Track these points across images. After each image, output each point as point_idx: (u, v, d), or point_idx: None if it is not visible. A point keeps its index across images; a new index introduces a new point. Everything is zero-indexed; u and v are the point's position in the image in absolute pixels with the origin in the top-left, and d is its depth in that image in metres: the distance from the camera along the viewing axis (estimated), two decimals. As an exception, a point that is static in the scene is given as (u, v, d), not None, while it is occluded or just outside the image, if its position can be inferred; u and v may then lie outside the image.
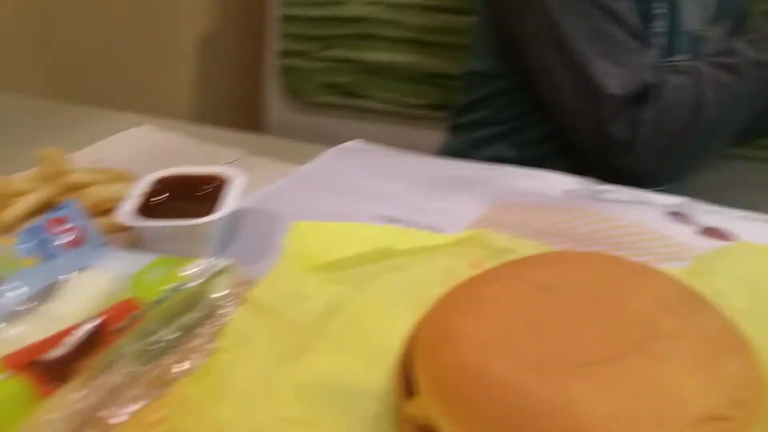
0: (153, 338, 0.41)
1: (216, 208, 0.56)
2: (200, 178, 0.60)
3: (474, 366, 0.34)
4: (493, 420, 0.32)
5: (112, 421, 0.36)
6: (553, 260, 0.45)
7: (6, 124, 0.87)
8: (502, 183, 0.66)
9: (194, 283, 0.46)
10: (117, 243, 0.55)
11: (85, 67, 1.16)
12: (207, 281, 0.47)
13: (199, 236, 0.55)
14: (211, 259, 0.49)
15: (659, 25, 0.83)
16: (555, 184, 0.66)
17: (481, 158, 0.74)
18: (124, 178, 0.65)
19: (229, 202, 0.56)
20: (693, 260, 0.51)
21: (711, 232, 0.57)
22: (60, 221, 0.51)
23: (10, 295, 0.45)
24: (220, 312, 0.45)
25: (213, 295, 0.46)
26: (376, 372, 0.39)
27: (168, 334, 0.42)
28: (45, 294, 0.46)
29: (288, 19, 1.32)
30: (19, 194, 0.60)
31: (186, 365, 0.41)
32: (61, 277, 0.47)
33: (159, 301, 0.44)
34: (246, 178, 0.59)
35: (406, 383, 0.36)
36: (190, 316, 0.44)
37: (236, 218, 0.60)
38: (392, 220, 0.60)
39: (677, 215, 0.60)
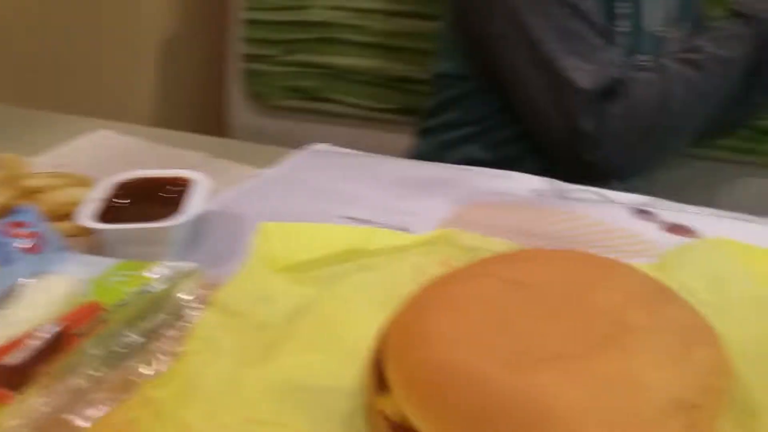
0: (118, 341, 0.40)
1: (180, 211, 0.54)
2: (163, 181, 0.59)
3: (445, 361, 0.34)
4: (465, 413, 0.32)
5: (78, 424, 0.35)
6: (523, 257, 0.45)
7: (-38, 129, 0.84)
8: (471, 183, 0.66)
9: (159, 287, 0.45)
10: (77, 248, 0.54)
11: (43, 71, 1.13)
12: (172, 284, 0.46)
13: (162, 239, 0.54)
14: (176, 262, 0.48)
15: (623, 25, 0.84)
16: (523, 184, 0.66)
17: (452, 161, 0.74)
18: (83, 182, 0.63)
19: (194, 205, 0.55)
20: (659, 256, 0.51)
21: (675, 228, 0.58)
22: (17, 225, 0.49)
23: (-34, 300, 0.44)
24: (186, 315, 0.45)
25: (178, 298, 0.45)
26: (348, 370, 0.39)
27: (133, 337, 0.41)
28: (2, 299, 0.45)
29: (251, 23, 1.31)
30: (-26, 199, 0.58)
31: (152, 369, 0.40)
32: (19, 282, 0.46)
33: (123, 304, 0.43)
34: (210, 181, 0.58)
35: (378, 380, 0.36)
36: (156, 320, 0.43)
37: (201, 221, 0.59)
38: (361, 222, 0.59)
39: (642, 213, 0.61)
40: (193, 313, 0.45)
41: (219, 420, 0.36)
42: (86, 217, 0.53)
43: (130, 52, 1.29)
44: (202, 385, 0.38)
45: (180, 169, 0.61)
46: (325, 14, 1.26)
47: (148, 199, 0.57)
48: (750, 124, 1.06)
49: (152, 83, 1.35)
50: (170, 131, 0.86)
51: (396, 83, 1.25)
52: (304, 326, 0.43)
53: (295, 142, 0.77)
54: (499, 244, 0.52)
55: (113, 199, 0.57)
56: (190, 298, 0.46)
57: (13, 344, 0.39)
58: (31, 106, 0.91)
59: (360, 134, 1.26)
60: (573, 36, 0.78)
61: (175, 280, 0.46)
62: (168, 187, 0.58)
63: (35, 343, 0.39)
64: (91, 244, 0.55)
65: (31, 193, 0.60)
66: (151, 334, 0.42)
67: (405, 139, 1.08)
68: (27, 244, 0.49)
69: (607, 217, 0.59)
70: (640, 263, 0.46)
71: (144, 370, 0.40)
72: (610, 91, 0.77)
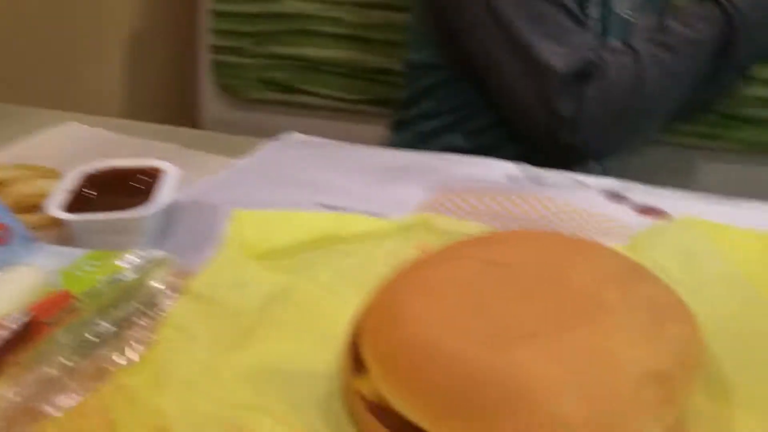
0: (90, 330, 0.39)
1: (150, 200, 0.54)
2: (132, 171, 0.58)
3: (422, 340, 0.34)
4: (442, 391, 0.32)
5: (50, 413, 0.34)
6: (497, 239, 0.45)
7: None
8: (446, 170, 0.66)
9: (130, 275, 0.45)
10: (46, 239, 0.52)
11: (9, 63, 1.11)
12: (144, 273, 0.45)
13: (133, 229, 0.53)
14: (148, 250, 0.47)
15: (594, 9, 0.85)
16: (498, 170, 0.67)
17: (430, 151, 0.74)
18: (50, 174, 0.62)
19: (164, 195, 0.55)
20: (632, 237, 0.52)
21: (648, 210, 0.58)
22: (-18, 217, 0.48)
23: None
24: (159, 303, 0.44)
25: (151, 286, 0.44)
26: (324, 354, 0.39)
27: (105, 326, 0.40)
28: (-31, 292, 0.43)
29: (219, 14, 1.29)
30: (-62, 192, 0.57)
31: (125, 357, 0.39)
32: (-15, 274, 0.45)
33: (94, 293, 0.42)
34: (180, 171, 0.58)
35: (355, 362, 0.36)
36: (128, 308, 0.42)
37: (173, 211, 0.58)
38: (336, 209, 0.59)
39: (615, 196, 0.61)
40: (167, 301, 0.44)
41: (194, 406, 0.36)
42: (55, 208, 0.52)
43: (99, 44, 1.27)
44: (177, 372, 0.38)
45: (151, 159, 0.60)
46: (296, 6, 1.25)
47: (118, 190, 0.57)
48: (717, 111, 1.08)
49: (122, 76, 1.33)
50: (141, 123, 0.84)
51: (370, 74, 1.25)
52: (280, 312, 0.43)
53: (269, 135, 0.76)
54: (473, 228, 0.52)
55: (82, 190, 0.56)
56: (163, 286, 0.45)
57: (-20, 336, 0.38)
58: (-2, 99, 0.90)
59: (334, 126, 1.26)
60: (546, 20, 0.78)
61: (146, 268, 0.46)
62: (137, 177, 0.58)
63: (3, 333, 0.38)
64: (60, 235, 0.54)
65: (-3, 185, 0.59)
66: (124, 323, 0.42)
67: (380, 131, 1.07)
68: (-7, 236, 0.48)
69: (581, 201, 0.60)
70: (614, 244, 0.47)
71: (117, 358, 0.39)
72: (585, 74, 0.77)
